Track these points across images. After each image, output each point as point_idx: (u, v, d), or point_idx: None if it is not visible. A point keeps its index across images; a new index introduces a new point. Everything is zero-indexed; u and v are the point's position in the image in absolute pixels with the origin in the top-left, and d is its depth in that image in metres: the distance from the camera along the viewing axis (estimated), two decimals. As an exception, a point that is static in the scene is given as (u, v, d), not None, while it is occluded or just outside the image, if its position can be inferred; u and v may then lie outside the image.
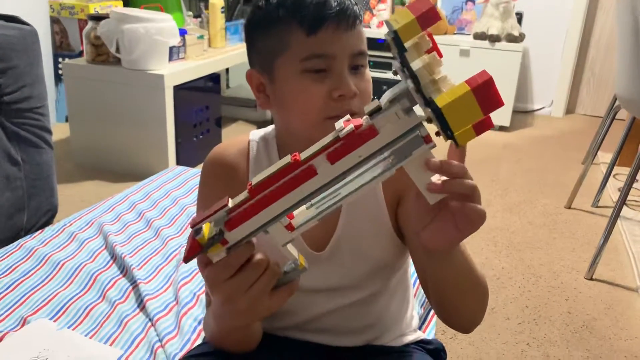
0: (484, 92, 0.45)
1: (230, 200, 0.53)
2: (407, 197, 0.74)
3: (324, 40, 0.67)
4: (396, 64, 0.49)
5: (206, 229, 0.53)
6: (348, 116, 0.51)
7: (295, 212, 0.55)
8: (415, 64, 0.47)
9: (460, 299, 0.70)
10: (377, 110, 0.49)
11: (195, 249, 0.53)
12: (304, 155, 0.50)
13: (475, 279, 0.68)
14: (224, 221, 0.53)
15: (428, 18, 0.45)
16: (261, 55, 0.73)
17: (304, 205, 0.54)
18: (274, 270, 0.56)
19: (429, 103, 0.47)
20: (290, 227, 0.54)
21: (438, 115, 0.46)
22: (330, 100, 0.68)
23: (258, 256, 0.56)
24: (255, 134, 0.81)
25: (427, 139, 0.50)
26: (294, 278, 0.58)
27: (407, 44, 0.47)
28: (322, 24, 0.67)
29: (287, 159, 0.50)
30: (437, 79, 0.47)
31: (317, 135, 0.69)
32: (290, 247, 0.57)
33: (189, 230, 0.55)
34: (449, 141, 0.50)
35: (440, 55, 0.49)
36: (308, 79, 0.68)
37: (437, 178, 0.54)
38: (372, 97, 0.73)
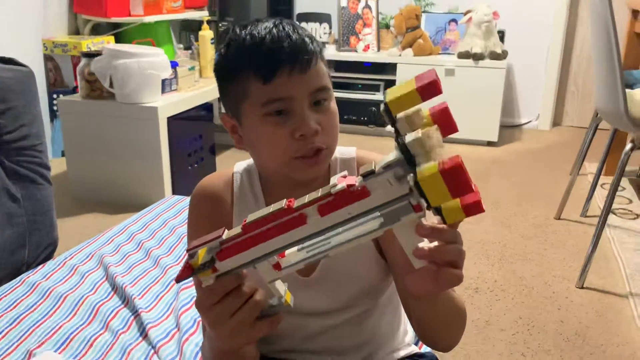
0: (452, 177, 0.46)
1: (226, 231, 0.57)
2: None
3: (279, 85, 0.69)
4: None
5: (201, 254, 0.56)
6: (345, 172, 0.54)
7: (287, 252, 0.57)
8: (407, 137, 0.48)
9: (440, 330, 0.73)
10: (371, 173, 0.50)
11: (187, 272, 0.57)
12: (297, 203, 0.52)
13: (456, 310, 0.71)
14: (217, 251, 0.56)
15: (426, 91, 0.46)
16: (229, 101, 0.76)
17: (296, 248, 0.57)
18: (256, 301, 0.59)
19: (414, 176, 0.48)
20: (277, 267, 0.57)
21: (417, 186, 0.48)
22: (294, 140, 0.70)
23: (244, 287, 0.59)
24: (240, 165, 0.85)
25: (416, 208, 0.50)
26: (278, 312, 0.60)
27: (398, 116, 0.48)
28: (276, 72, 0.69)
29: (282, 203, 0.53)
30: (429, 154, 0.48)
31: (288, 173, 0.73)
32: (278, 283, 0.59)
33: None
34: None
35: (453, 130, 0.50)
36: (270, 123, 0.71)
37: (425, 243, 0.54)
38: (338, 129, 0.75)
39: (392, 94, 0.48)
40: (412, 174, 0.48)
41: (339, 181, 0.51)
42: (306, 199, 0.52)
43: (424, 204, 0.50)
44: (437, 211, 0.50)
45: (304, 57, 0.70)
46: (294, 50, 0.70)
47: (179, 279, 0.58)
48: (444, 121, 0.50)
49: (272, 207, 0.54)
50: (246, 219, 0.55)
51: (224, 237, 0.56)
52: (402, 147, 0.48)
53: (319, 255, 0.56)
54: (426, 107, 0.51)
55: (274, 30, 0.71)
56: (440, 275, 0.54)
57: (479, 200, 0.49)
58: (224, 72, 0.75)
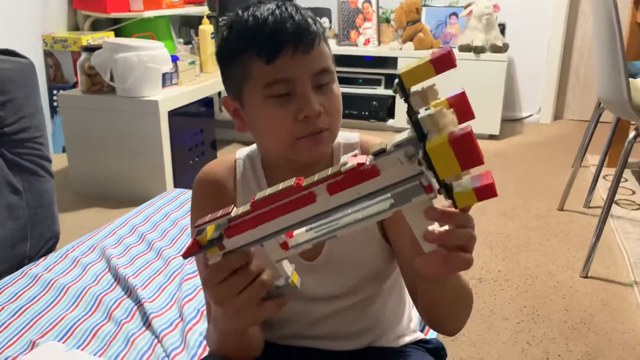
0: (462, 146, 0.45)
1: (234, 209, 0.56)
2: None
3: (282, 66, 0.69)
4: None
5: (209, 231, 0.56)
6: (356, 151, 0.53)
7: (295, 232, 0.57)
8: (421, 113, 0.47)
9: (448, 312, 0.73)
10: (382, 152, 0.49)
11: (194, 248, 0.56)
12: (306, 181, 0.52)
13: (463, 292, 0.71)
14: (225, 228, 0.56)
15: (440, 63, 0.45)
16: (231, 84, 0.76)
17: (304, 228, 0.56)
18: (263, 281, 0.58)
19: (424, 148, 0.47)
20: (285, 246, 0.56)
21: (426, 158, 0.47)
22: (297, 122, 0.70)
23: (252, 265, 0.58)
24: (242, 152, 0.85)
25: (427, 189, 0.49)
26: (284, 293, 0.59)
27: (411, 90, 0.47)
28: (279, 52, 0.68)
29: (291, 181, 0.52)
30: (442, 132, 0.46)
31: (291, 155, 0.72)
32: (285, 264, 0.59)
33: None
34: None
35: (470, 117, 0.49)
36: (273, 104, 0.70)
37: (435, 226, 0.53)
38: (341, 111, 0.75)
39: (406, 67, 0.47)
40: (421, 150, 0.47)
41: (350, 160, 0.51)
42: (316, 177, 0.52)
43: (436, 185, 0.49)
44: (449, 195, 0.49)
45: (307, 37, 0.70)
46: (297, 30, 0.69)
47: (186, 254, 0.57)
48: (461, 107, 0.49)
49: (282, 185, 0.53)
50: (255, 196, 0.54)
51: (232, 214, 0.55)
52: (415, 124, 0.47)
53: (327, 235, 0.55)
54: (444, 96, 0.50)
55: (277, 11, 0.70)
56: (450, 259, 0.54)
57: (491, 184, 0.47)
58: (227, 54, 0.75)
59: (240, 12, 0.73)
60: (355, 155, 0.51)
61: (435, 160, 0.46)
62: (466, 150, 0.45)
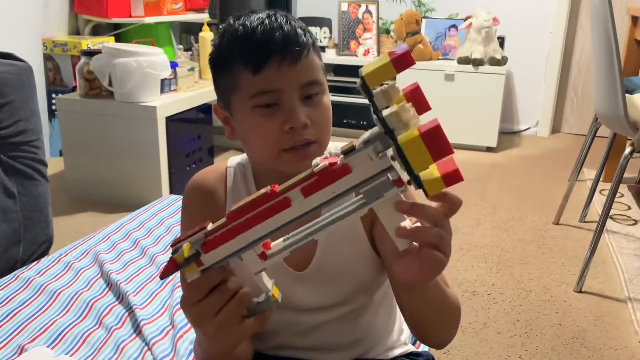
0: (432, 139, 0.46)
1: (210, 223, 0.55)
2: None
3: (269, 77, 0.68)
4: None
5: (186, 249, 0.55)
6: (327, 154, 0.54)
7: (272, 244, 0.56)
8: (385, 111, 0.49)
9: (433, 324, 0.72)
10: (351, 149, 0.50)
11: (171, 267, 0.55)
12: (281, 187, 0.52)
13: (448, 305, 0.70)
14: (201, 243, 0.55)
15: (400, 62, 0.47)
16: (221, 92, 0.76)
17: (281, 238, 0.56)
18: (242, 297, 0.57)
19: (396, 144, 0.48)
20: (263, 256, 0.56)
21: (400, 153, 0.48)
22: (283, 133, 0.69)
23: (230, 282, 0.57)
24: (233, 160, 0.84)
25: (397, 183, 0.51)
26: (266, 309, 0.58)
27: (374, 91, 0.48)
28: (265, 63, 0.68)
29: (266, 189, 0.52)
30: (407, 126, 0.48)
31: (277, 166, 0.72)
32: (265, 277, 0.58)
33: None
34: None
35: (426, 109, 0.51)
36: (259, 115, 0.70)
37: (409, 223, 0.54)
38: (331, 124, 0.74)
39: (367, 68, 0.48)
40: (392, 146, 0.48)
41: (321, 161, 0.51)
42: (289, 182, 0.52)
43: (405, 178, 0.50)
44: (418, 184, 0.50)
45: (294, 48, 0.69)
46: (284, 41, 0.69)
47: (163, 275, 0.56)
48: (417, 99, 0.51)
49: (256, 194, 0.53)
50: (231, 208, 0.54)
51: (208, 228, 0.55)
52: (381, 122, 0.48)
53: (304, 240, 0.55)
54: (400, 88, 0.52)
55: (267, 21, 0.70)
56: (422, 257, 0.54)
57: (456, 170, 0.49)
58: (217, 62, 0.75)
59: (232, 21, 0.73)
60: (326, 157, 0.52)
61: (408, 154, 0.48)
62: (437, 143, 0.47)
